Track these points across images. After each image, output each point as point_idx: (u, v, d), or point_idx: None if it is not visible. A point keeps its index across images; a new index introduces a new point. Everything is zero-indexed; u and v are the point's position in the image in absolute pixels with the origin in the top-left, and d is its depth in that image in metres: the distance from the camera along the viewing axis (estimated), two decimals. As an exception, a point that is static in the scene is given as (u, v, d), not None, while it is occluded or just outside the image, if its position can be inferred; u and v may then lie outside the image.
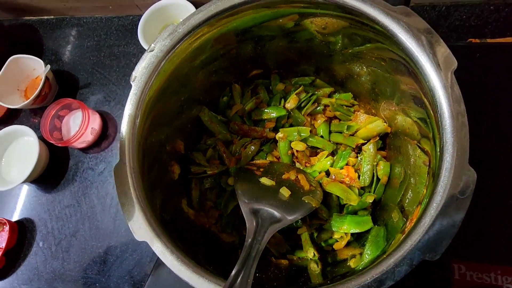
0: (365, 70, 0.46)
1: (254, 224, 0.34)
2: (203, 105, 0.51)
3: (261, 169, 0.44)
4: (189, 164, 0.49)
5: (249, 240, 0.32)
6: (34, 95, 0.68)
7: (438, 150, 0.30)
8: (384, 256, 0.28)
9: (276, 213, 0.36)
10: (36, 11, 0.81)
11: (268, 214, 0.36)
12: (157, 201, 0.36)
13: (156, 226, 0.31)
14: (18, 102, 0.71)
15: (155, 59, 0.37)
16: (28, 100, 0.68)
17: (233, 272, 0.28)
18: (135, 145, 0.34)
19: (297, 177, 0.43)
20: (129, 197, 0.31)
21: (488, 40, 0.62)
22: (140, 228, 0.30)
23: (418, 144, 0.39)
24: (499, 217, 0.47)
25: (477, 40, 0.65)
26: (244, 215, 0.36)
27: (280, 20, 0.41)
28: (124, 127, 0.34)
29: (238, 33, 0.42)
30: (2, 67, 0.72)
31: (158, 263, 0.33)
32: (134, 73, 0.36)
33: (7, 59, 0.72)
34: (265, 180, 0.41)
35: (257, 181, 0.41)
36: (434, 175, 0.31)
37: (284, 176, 0.43)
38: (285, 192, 0.40)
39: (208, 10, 0.37)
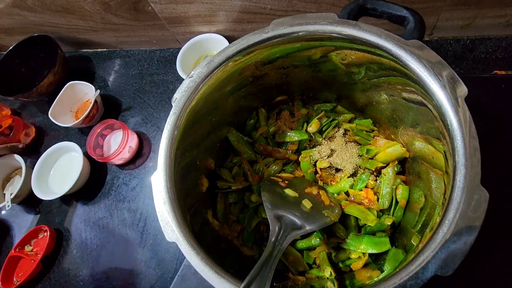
0: (385, 98, 0.49)
1: (277, 228, 0.36)
2: (232, 126, 0.55)
3: (286, 182, 0.47)
4: (216, 179, 0.53)
5: (272, 239, 0.35)
6: (84, 115, 0.77)
7: (451, 170, 0.32)
8: (397, 270, 0.30)
9: (297, 221, 0.39)
10: (93, 44, 0.94)
11: (290, 221, 0.38)
12: (187, 211, 0.40)
13: (185, 229, 0.35)
14: (69, 122, 0.80)
15: (193, 83, 0.42)
16: (78, 120, 0.77)
17: (256, 265, 0.30)
18: (172, 157, 0.38)
19: (318, 192, 0.46)
20: (164, 202, 0.35)
21: (514, 72, 0.63)
22: (171, 230, 0.34)
23: (432, 170, 0.40)
24: None
25: (503, 72, 0.65)
26: (268, 219, 0.39)
27: (305, 52, 0.46)
28: (164, 140, 0.39)
29: (265, 62, 0.47)
30: (60, 91, 0.82)
31: (185, 265, 0.36)
32: (175, 95, 0.41)
33: (64, 85, 0.83)
34: (289, 191, 0.44)
35: (282, 191, 0.44)
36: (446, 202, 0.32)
37: (306, 190, 0.46)
38: (307, 203, 0.42)
39: (240, 43, 0.42)
